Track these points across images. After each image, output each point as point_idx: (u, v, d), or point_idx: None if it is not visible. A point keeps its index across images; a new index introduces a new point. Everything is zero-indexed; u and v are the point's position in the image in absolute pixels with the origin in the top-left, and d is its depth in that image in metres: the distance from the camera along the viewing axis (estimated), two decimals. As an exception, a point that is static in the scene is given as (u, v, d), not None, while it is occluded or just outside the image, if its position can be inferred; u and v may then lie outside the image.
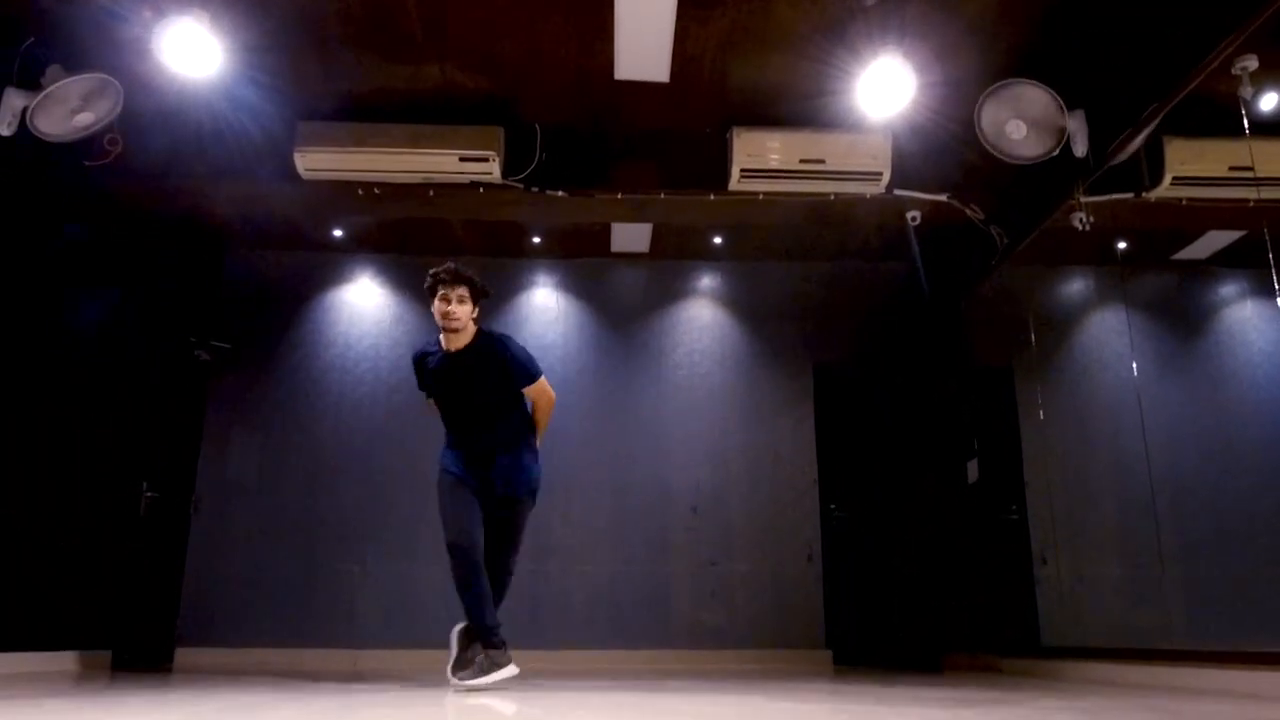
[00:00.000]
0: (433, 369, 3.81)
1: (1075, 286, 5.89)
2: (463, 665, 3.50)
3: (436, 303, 3.71)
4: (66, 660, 4.95)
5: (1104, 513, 5.48)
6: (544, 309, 6.92)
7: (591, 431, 6.65)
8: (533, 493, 3.93)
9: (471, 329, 3.80)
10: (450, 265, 3.71)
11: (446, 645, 6.09)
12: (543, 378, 3.92)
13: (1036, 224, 5.00)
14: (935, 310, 6.46)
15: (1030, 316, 5.88)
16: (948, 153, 5.15)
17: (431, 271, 3.72)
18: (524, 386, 3.91)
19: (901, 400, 6.79)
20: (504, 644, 3.61)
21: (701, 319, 6.95)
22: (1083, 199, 4.83)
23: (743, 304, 6.98)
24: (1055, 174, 4.81)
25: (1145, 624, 4.95)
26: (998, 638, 5.61)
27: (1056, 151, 4.56)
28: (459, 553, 3.65)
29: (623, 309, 6.94)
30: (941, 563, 6.34)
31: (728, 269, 7.04)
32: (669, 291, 6.98)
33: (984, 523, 5.93)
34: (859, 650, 6.37)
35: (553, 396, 3.95)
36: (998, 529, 5.88)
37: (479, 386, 3.77)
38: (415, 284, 6.87)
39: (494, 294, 4.03)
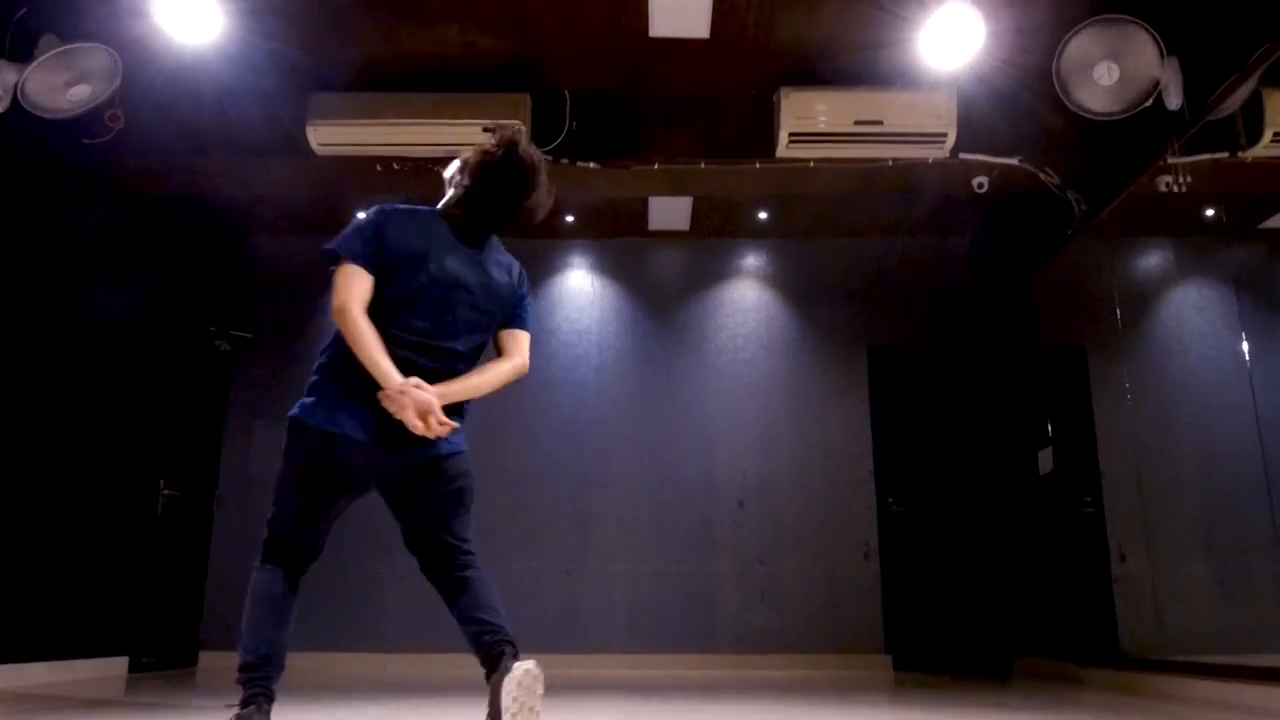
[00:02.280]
0: (415, 245, 2.40)
1: (1152, 259, 5.38)
2: None
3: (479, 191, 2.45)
4: (77, 670, 4.69)
5: (1188, 506, 5.01)
6: (578, 292, 6.53)
7: (629, 421, 6.26)
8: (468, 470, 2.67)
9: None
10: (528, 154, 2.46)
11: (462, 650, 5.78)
12: None
13: (1123, 187, 4.49)
14: (1002, 286, 5.95)
15: (1105, 292, 5.38)
16: (1020, 110, 4.65)
17: (493, 158, 2.42)
18: (512, 329, 2.61)
19: (965, 384, 6.30)
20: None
21: (746, 300, 6.51)
22: (1173, 159, 4.31)
23: (791, 283, 6.53)
24: (1144, 130, 4.29)
25: (1236, 628, 4.50)
26: (1072, 642, 5.13)
27: (1149, 103, 4.05)
28: (288, 555, 2.49)
29: (662, 291, 6.52)
30: (1010, 560, 5.86)
31: (774, 246, 6.59)
32: (711, 272, 6.55)
33: (1057, 517, 5.44)
34: (921, 655, 5.92)
35: (527, 365, 2.63)
36: (1071, 523, 5.40)
37: (473, 307, 2.46)
38: (443, 268, 6.53)
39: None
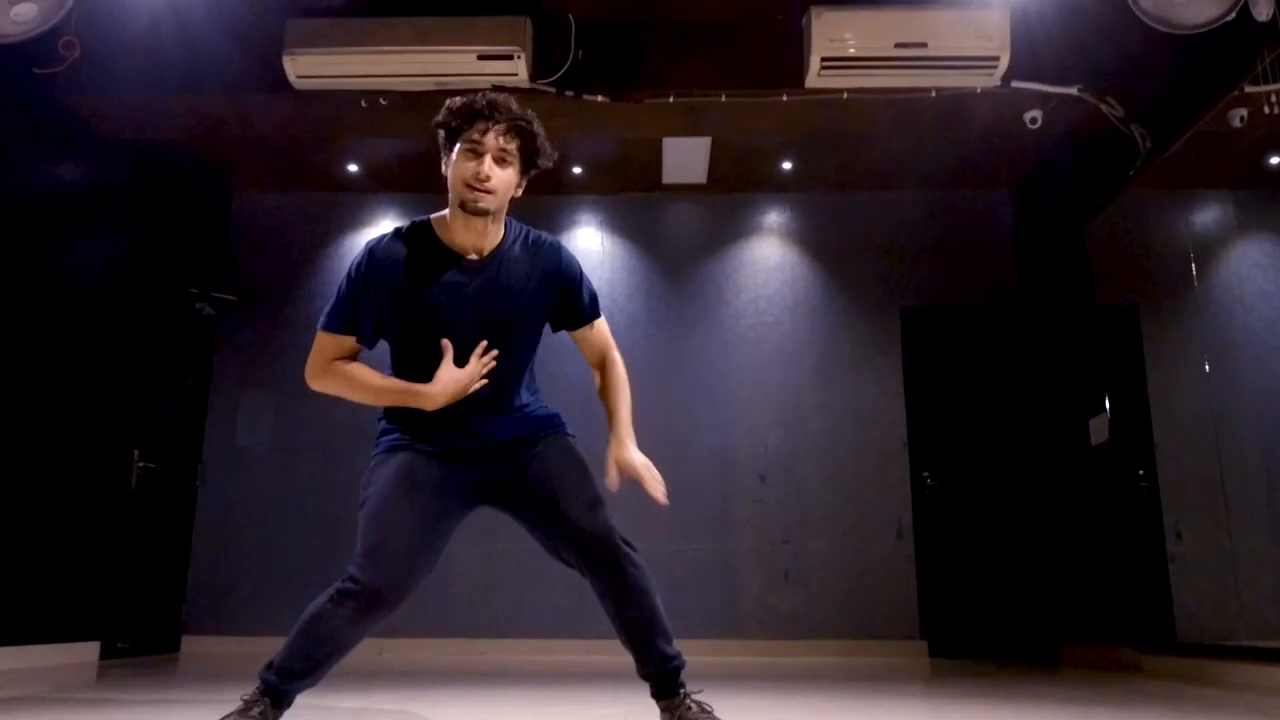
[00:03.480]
0: (408, 290, 2.04)
1: (1211, 213, 4.91)
2: None
3: (456, 156, 2.01)
4: (41, 656, 4.28)
5: (1251, 479, 4.58)
6: (587, 252, 6.06)
7: (643, 390, 5.74)
8: (561, 428, 2.23)
9: (502, 227, 2.12)
10: (490, 95, 2.04)
11: (478, 635, 5.37)
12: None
13: (1197, 115, 3.97)
14: (1053, 238, 5.44)
15: (1161, 247, 4.90)
16: (1081, 31, 4.15)
17: (450, 105, 2.03)
18: (581, 328, 2.24)
19: (1008, 348, 5.80)
20: None
21: (769, 260, 6.03)
22: (1250, 89, 3.81)
23: (817, 241, 6.03)
24: (1225, 48, 3.78)
25: None
26: (1124, 626, 4.67)
27: (1232, 15, 3.54)
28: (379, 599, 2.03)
29: (678, 250, 6.04)
30: (1056, 539, 5.39)
31: (798, 200, 6.10)
32: (730, 229, 6.06)
33: (1108, 491, 4.97)
34: (959, 641, 5.46)
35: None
36: (1124, 499, 4.93)
37: (506, 324, 2.08)
38: (442, 225, 6.08)
39: (553, 162, 2.16)
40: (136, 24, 4.23)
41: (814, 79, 4.15)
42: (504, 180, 2.02)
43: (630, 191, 6.04)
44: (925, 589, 5.53)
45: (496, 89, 4.26)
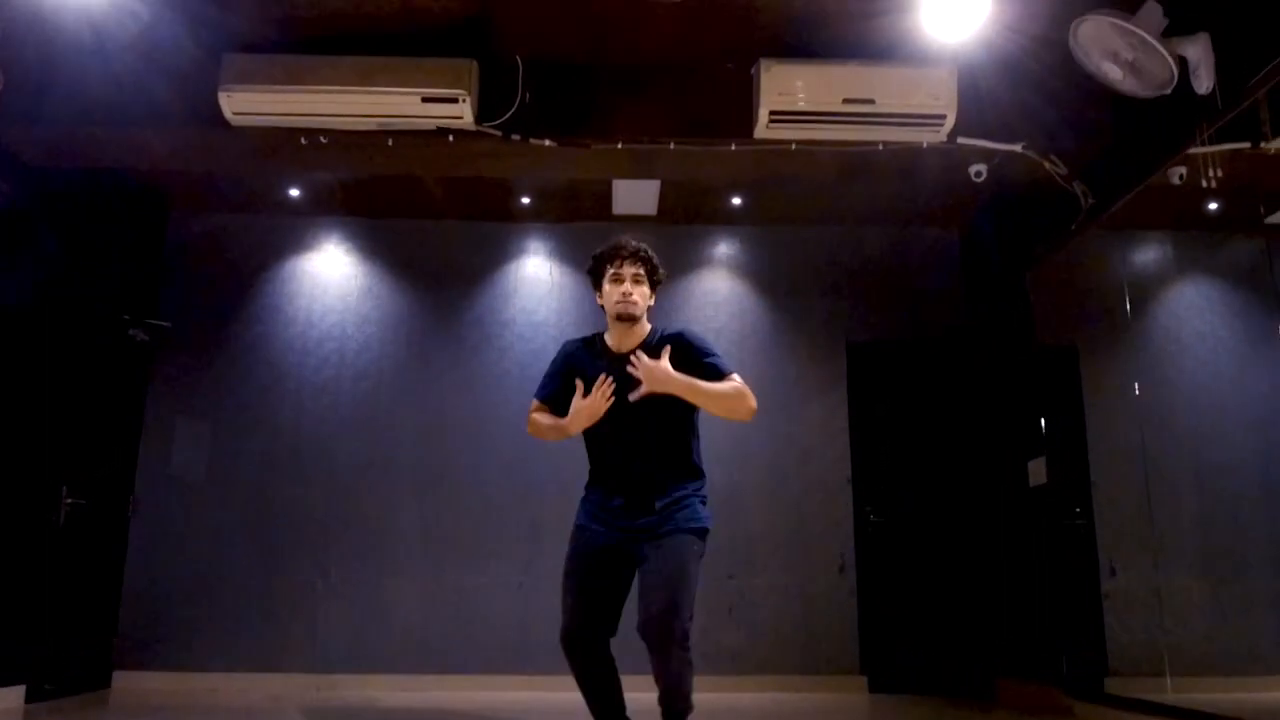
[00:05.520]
0: (591, 376, 2.80)
1: (1150, 254, 5.00)
2: None
3: (607, 285, 2.89)
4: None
5: (1184, 517, 4.70)
6: (535, 280, 5.99)
7: (590, 422, 5.76)
8: (699, 532, 2.82)
9: (645, 327, 2.93)
10: (621, 240, 2.91)
11: (422, 671, 5.30)
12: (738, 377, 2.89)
13: (1141, 177, 4.03)
14: (995, 282, 5.50)
15: (1099, 289, 4.98)
16: (1026, 93, 4.18)
17: (594, 255, 2.95)
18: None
19: (952, 386, 5.86)
20: None
21: (718, 292, 6.02)
22: (1194, 150, 3.87)
23: (765, 274, 6.03)
24: (1166, 117, 3.84)
25: (1233, 647, 4.18)
26: (1058, 665, 4.76)
27: (1170, 89, 3.60)
28: (566, 647, 2.77)
29: (626, 280, 6.00)
30: (994, 576, 5.47)
31: (748, 234, 6.09)
32: (680, 260, 6.03)
33: (1045, 530, 5.05)
34: (898, 676, 5.51)
35: (754, 405, 2.82)
36: (1061, 537, 5.02)
37: (650, 405, 2.76)
38: (386, 251, 5.97)
39: (667, 279, 3.11)
40: (64, 58, 4.07)
41: (762, 130, 4.13)
42: (642, 294, 2.88)
43: (580, 221, 5.98)
44: (866, 624, 5.57)
45: (442, 130, 4.21)
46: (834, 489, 5.71)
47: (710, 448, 5.65)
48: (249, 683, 5.25)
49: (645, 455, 2.83)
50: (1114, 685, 4.57)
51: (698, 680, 5.68)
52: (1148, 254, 4.98)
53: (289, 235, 5.98)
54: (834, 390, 5.86)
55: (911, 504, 5.78)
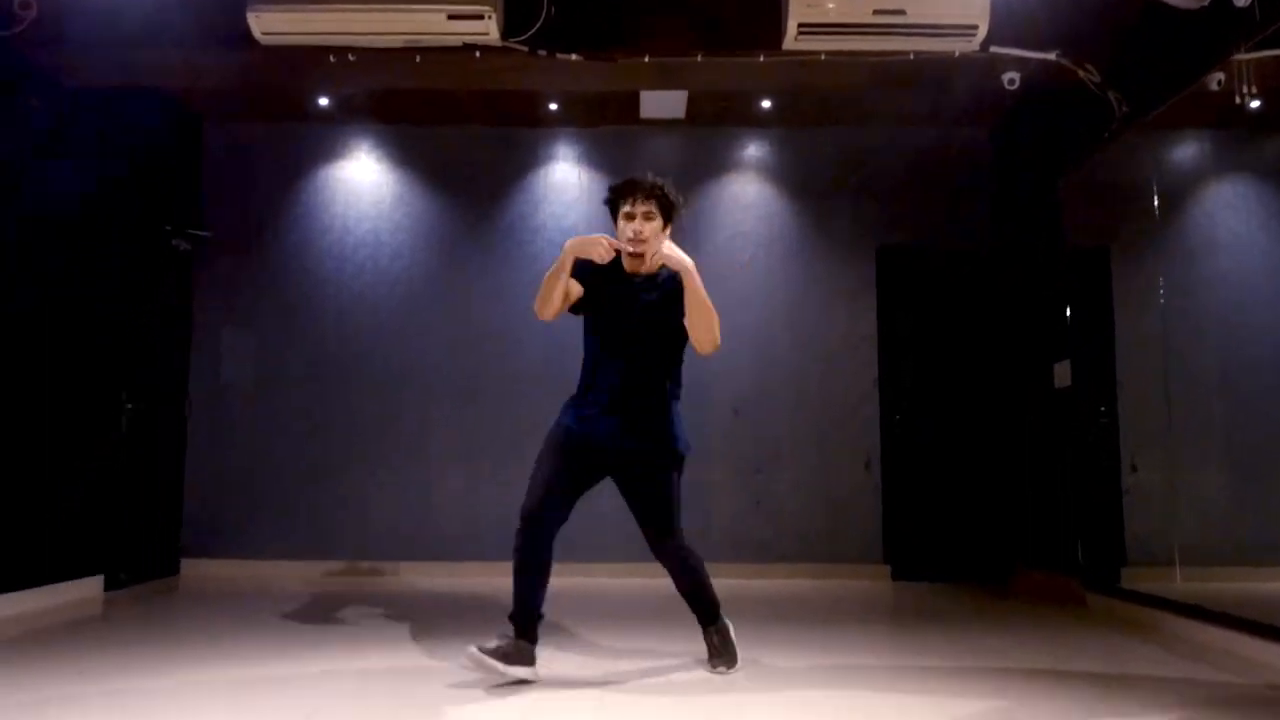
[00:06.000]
0: (603, 286, 3.01)
1: (1188, 152, 4.90)
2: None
3: (620, 221, 3.02)
4: (47, 596, 4.50)
5: (1209, 416, 4.74)
6: (564, 186, 6.03)
7: (621, 326, 5.90)
8: (679, 460, 3.05)
9: (658, 262, 3.03)
10: (635, 178, 3.02)
11: (464, 559, 5.61)
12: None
13: (1177, 88, 3.95)
14: (1027, 187, 5.46)
15: (1133, 189, 4.91)
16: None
17: (611, 186, 3.07)
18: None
19: (981, 290, 5.90)
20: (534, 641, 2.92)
21: (746, 196, 6.03)
22: (1238, 57, 3.78)
23: (795, 178, 6.02)
24: (1204, 29, 3.73)
25: (1250, 542, 4.30)
26: (1075, 557, 4.94)
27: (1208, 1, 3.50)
28: (524, 523, 2.93)
29: (655, 185, 6.01)
30: (1016, 473, 5.64)
31: (778, 136, 6.04)
32: (709, 164, 6.03)
33: (1069, 430, 5.16)
34: (920, 565, 5.77)
35: (719, 339, 2.94)
36: (1084, 436, 5.13)
37: (651, 329, 2.98)
38: (417, 159, 6.03)
39: (686, 211, 3.21)
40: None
41: (791, 42, 4.07)
42: (652, 229, 2.98)
43: (608, 125, 5.96)
44: (890, 517, 5.80)
45: (469, 46, 4.21)
46: (861, 391, 5.85)
47: (736, 350, 5.84)
48: (303, 569, 5.64)
49: (637, 374, 2.98)
50: (1130, 576, 4.75)
51: (723, 568, 5.93)
52: (1185, 152, 4.89)
53: (321, 144, 6.03)
54: (864, 294, 5.92)
55: (937, 406, 5.91)
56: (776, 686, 2.92)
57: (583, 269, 2.99)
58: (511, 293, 5.89)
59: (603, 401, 2.99)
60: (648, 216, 2.95)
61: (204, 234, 5.76)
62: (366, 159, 6.04)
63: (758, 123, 5.92)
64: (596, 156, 6.02)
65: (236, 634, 3.76)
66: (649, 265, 3.01)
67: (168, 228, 5.56)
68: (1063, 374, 5.20)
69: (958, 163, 5.94)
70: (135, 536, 5.23)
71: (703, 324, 2.87)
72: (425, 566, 5.66)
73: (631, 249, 2.96)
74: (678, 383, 3.11)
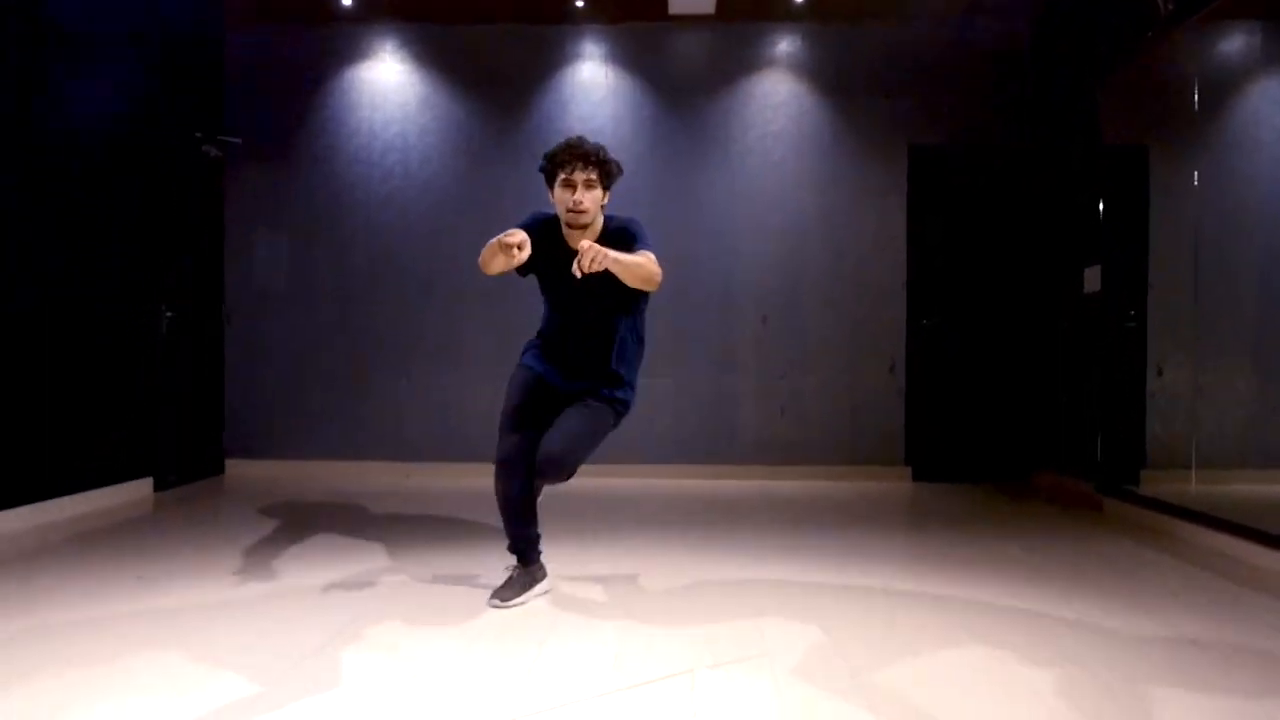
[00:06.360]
0: (546, 250, 2.90)
1: (1234, 45, 4.70)
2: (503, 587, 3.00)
3: (558, 189, 2.88)
4: (101, 499, 4.74)
5: (1240, 317, 4.71)
6: (591, 85, 5.93)
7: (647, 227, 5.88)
8: (621, 406, 3.02)
9: (599, 222, 2.94)
10: (571, 141, 2.88)
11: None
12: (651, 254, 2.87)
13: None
14: (1063, 85, 5.28)
15: (1175, 84, 4.74)
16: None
17: (546, 154, 2.92)
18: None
19: (1012, 193, 5.80)
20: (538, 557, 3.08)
21: (777, 94, 5.89)
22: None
23: (827, 75, 5.87)
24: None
25: (1274, 443, 4.33)
26: (1093, 460, 5.00)
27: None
28: (500, 467, 2.98)
29: (684, 84, 5.90)
30: (1040, 375, 5.66)
31: (810, 32, 5.86)
32: (739, 61, 5.88)
33: (1096, 334, 5.15)
34: (941, 467, 5.87)
35: (658, 272, 2.79)
36: (1111, 340, 5.11)
37: (598, 292, 2.88)
38: (441, 58, 5.93)
39: (623, 172, 3.01)
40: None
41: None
42: (593, 199, 2.86)
43: (635, 21, 5.81)
44: (912, 420, 5.88)
45: None
46: (889, 293, 5.84)
47: (765, 254, 5.82)
48: (342, 469, 5.85)
49: (588, 334, 2.97)
50: (1148, 478, 4.81)
51: (748, 469, 6.04)
52: (1231, 45, 4.70)
53: (344, 44, 5.94)
54: (894, 194, 5.84)
55: (965, 310, 5.90)
56: (794, 597, 3.05)
57: (530, 228, 2.88)
58: (540, 196, 5.84)
59: (556, 355, 3.02)
60: (588, 185, 2.84)
61: (233, 140, 5.76)
62: (390, 60, 5.95)
63: (789, 18, 5.74)
64: (624, 55, 5.89)
65: (275, 539, 3.93)
66: (592, 229, 2.91)
67: (198, 134, 5.56)
68: (1092, 279, 5.15)
69: (994, 60, 5.75)
70: (180, 439, 5.44)
71: (635, 279, 2.72)
72: (458, 468, 5.84)
73: (573, 220, 2.86)
74: (635, 333, 3.06)
